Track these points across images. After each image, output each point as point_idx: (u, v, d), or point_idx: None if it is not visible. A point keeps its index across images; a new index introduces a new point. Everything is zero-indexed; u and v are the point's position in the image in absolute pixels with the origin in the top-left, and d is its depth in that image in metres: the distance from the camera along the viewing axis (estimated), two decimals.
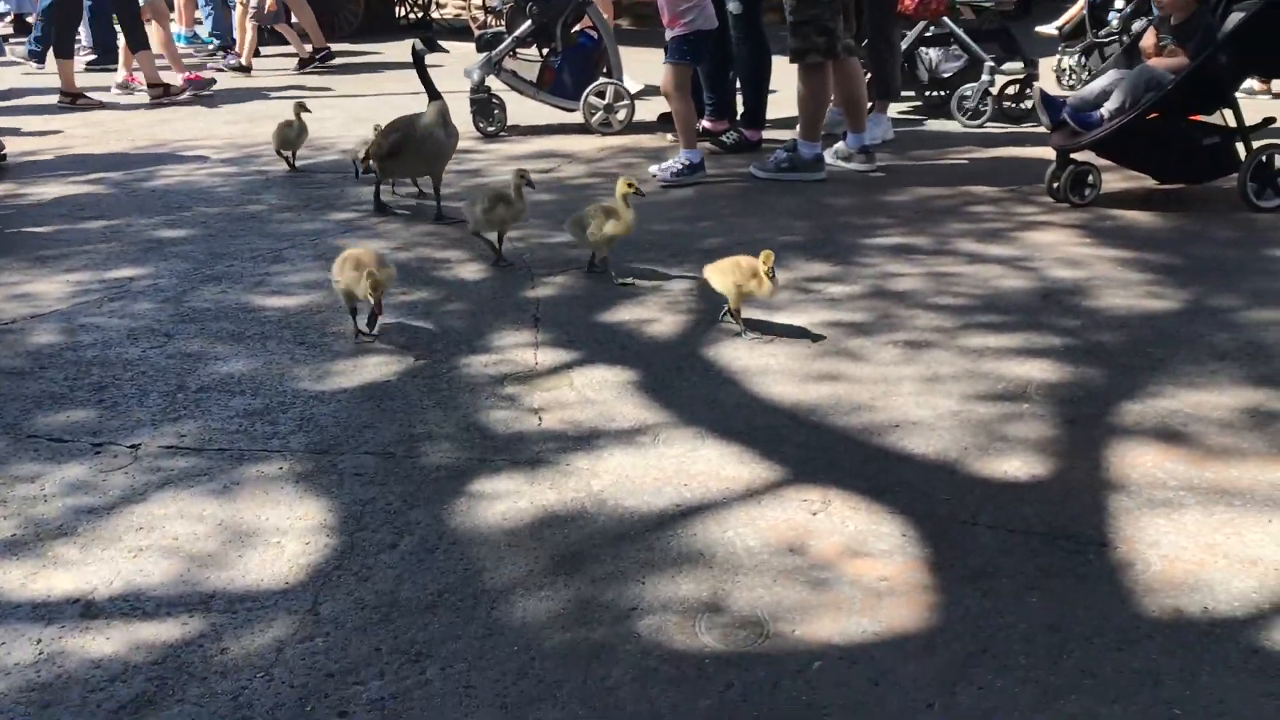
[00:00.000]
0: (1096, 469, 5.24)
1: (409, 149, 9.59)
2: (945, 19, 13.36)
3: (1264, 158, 9.57)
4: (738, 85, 12.45)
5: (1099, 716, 3.65)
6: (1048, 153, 10.30)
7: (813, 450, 5.52)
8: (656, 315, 7.49)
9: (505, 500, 5.12)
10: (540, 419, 5.96)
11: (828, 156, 11.18)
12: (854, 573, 4.49)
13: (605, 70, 13.43)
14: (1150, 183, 10.50)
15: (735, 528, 4.83)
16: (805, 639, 4.08)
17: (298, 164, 11.77)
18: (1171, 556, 4.54)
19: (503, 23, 14.86)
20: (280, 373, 6.60)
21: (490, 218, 8.37)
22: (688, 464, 5.41)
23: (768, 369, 6.54)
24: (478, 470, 5.41)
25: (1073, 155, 9.96)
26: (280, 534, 4.89)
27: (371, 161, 9.95)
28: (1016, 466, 5.31)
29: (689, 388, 6.31)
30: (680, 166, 10.88)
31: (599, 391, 6.30)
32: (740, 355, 6.74)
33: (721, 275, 7.06)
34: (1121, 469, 5.24)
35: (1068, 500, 4.98)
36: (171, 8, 19.59)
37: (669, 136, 12.30)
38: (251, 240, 9.40)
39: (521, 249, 9.17)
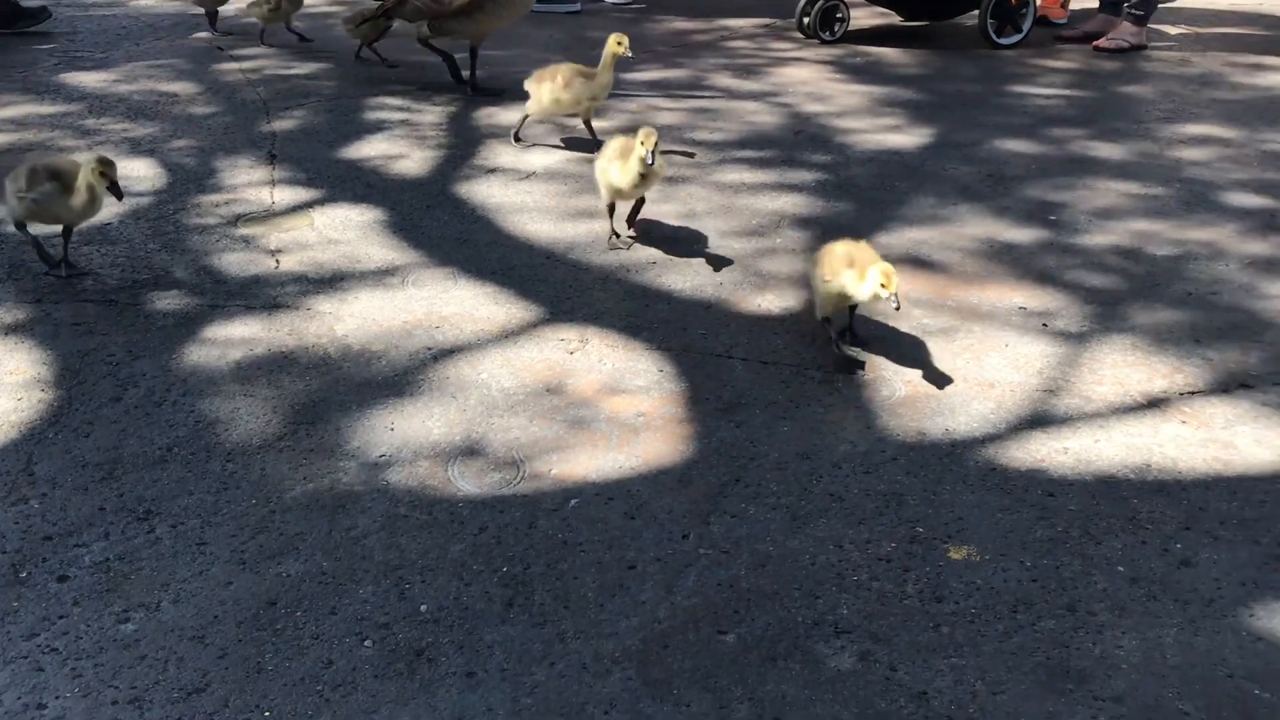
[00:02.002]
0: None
1: (491, 4, 7.82)
2: None
3: None
4: None
5: (846, 538, 3.74)
6: None
7: (570, 289, 5.40)
8: (404, 151, 7.14)
9: (240, 348, 4.81)
10: (278, 261, 5.61)
11: None
12: (611, 410, 4.43)
13: None
14: (897, 19, 10.65)
15: (490, 369, 4.69)
16: (562, 478, 4.01)
17: None
18: (915, 382, 4.67)
19: None
20: None
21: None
22: (439, 306, 5.21)
23: (523, 206, 6.34)
24: (210, 316, 5.05)
25: None
26: None
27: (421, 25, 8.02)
28: (770, 300, 5.34)
29: (439, 226, 6.06)
30: None
31: (342, 231, 5.97)
32: (494, 193, 6.51)
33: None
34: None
35: (818, 331, 5.05)
36: None
37: None
38: None
39: (255, 80, 8.58)
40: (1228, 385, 4.68)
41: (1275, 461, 4.18)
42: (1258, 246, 6.00)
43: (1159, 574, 3.61)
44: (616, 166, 5.58)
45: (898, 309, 4.48)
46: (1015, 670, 3.21)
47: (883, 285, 4.42)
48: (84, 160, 5.09)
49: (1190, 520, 3.86)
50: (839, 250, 4.69)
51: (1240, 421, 4.43)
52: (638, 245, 5.84)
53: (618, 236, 5.90)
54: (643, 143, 5.37)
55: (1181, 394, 4.61)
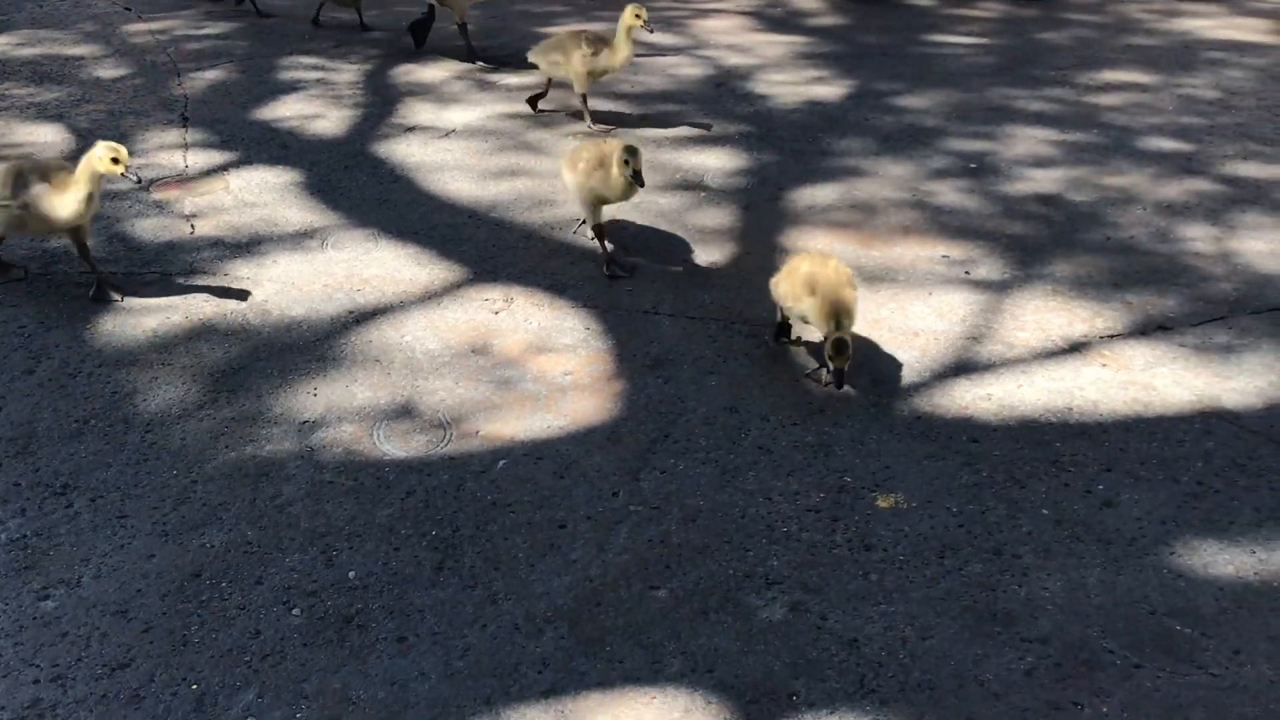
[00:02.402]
0: (770, 254, 5.32)
1: None
2: None
3: None
4: None
5: (775, 490, 3.76)
6: None
7: (493, 248, 5.34)
8: (320, 110, 7.00)
9: (156, 316, 4.70)
10: (193, 226, 5.48)
11: None
12: (538, 369, 4.40)
13: None
14: None
15: (414, 331, 4.62)
16: (490, 438, 3.98)
17: None
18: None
19: None
20: None
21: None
22: (360, 268, 5.12)
23: (444, 165, 6.25)
24: (124, 285, 4.93)
25: None
26: None
27: None
28: (695, 255, 5.32)
29: (359, 187, 5.95)
30: None
31: (259, 194, 5.85)
32: (413, 152, 6.40)
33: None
34: (794, 253, 5.34)
35: (744, 286, 5.04)
36: None
37: None
38: None
39: (165, 41, 8.35)
40: (1146, 328, 4.76)
41: (1193, 402, 4.26)
42: (1173, 191, 6.09)
43: (1082, 516, 3.67)
44: (600, 176, 4.95)
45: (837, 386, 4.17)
46: (943, 615, 3.26)
47: (837, 331, 4.14)
48: None
49: (1111, 462, 3.92)
50: (803, 273, 4.30)
51: (1159, 363, 4.51)
52: (560, 202, 5.78)
53: (614, 264, 5.19)
54: (628, 162, 4.80)
55: (1102, 338, 4.68)
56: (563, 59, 6.58)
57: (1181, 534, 3.59)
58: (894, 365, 4.45)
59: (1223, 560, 3.48)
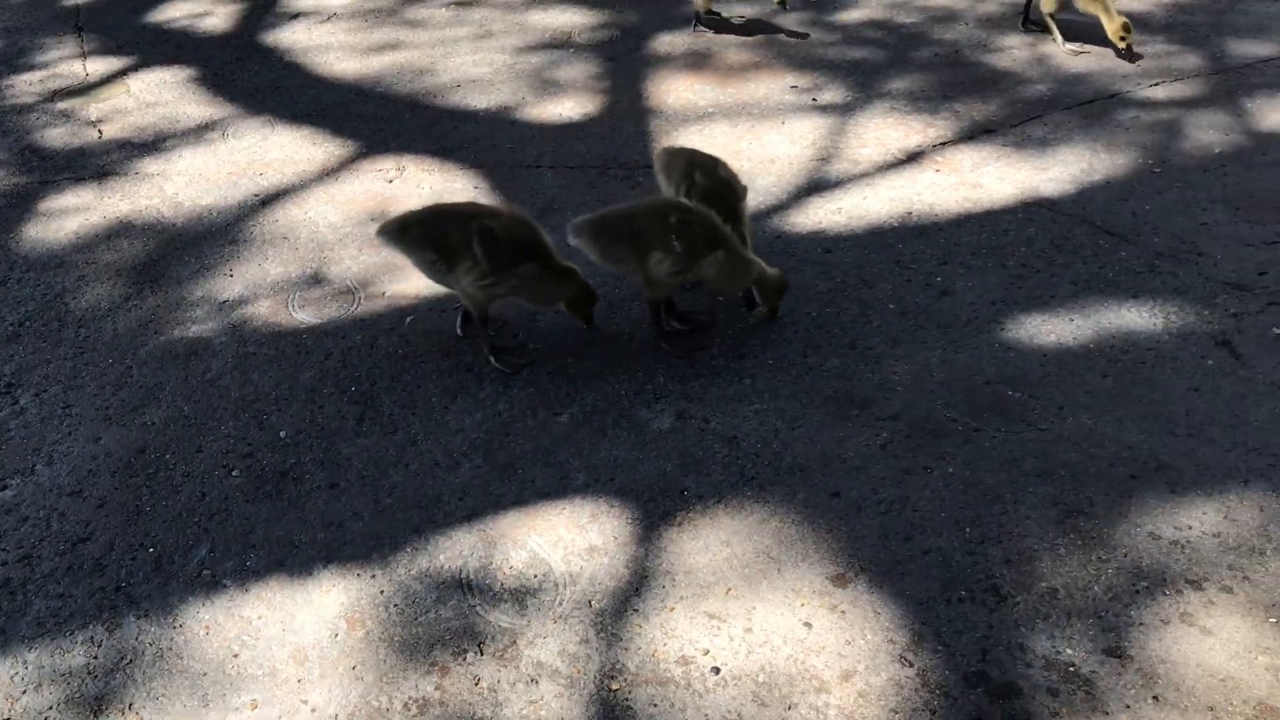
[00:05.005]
0: (638, 100, 5.20)
1: None
2: None
3: None
4: None
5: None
6: None
7: (382, 121, 5.14)
8: (208, 8, 6.60)
9: (75, 218, 4.48)
10: (100, 131, 5.20)
11: None
12: None
13: None
14: None
15: (316, 207, 4.47)
16: (396, 297, 3.90)
17: None
18: None
19: None
20: None
21: None
22: (260, 153, 4.91)
23: (328, 46, 5.96)
24: (40, 193, 4.68)
25: None
26: None
27: None
28: (569, 108, 5.18)
29: (251, 77, 5.67)
30: None
31: (159, 94, 5.54)
32: (299, 38, 6.09)
33: None
34: (659, 97, 5.22)
35: (615, 132, 4.93)
36: None
37: None
38: None
39: None
40: (973, 133, 4.76)
41: (1015, 194, 4.30)
42: (990, 6, 6.03)
43: (923, 305, 3.72)
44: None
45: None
46: (809, 406, 3.31)
47: None
48: None
49: (947, 255, 3.97)
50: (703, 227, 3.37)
51: (985, 163, 4.52)
52: (441, 70, 5.57)
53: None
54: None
55: (934, 146, 4.67)
56: None
57: (1010, 312, 3.66)
58: (755, 191, 4.38)
59: (1045, 330, 3.56)
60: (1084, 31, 5.53)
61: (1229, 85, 5.03)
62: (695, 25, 5.89)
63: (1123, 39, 5.18)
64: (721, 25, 5.94)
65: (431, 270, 3.46)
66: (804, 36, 5.72)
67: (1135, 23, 5.59)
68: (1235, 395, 3.24)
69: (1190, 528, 2.82)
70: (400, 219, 3.51)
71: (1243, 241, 3.93)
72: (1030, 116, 4.86)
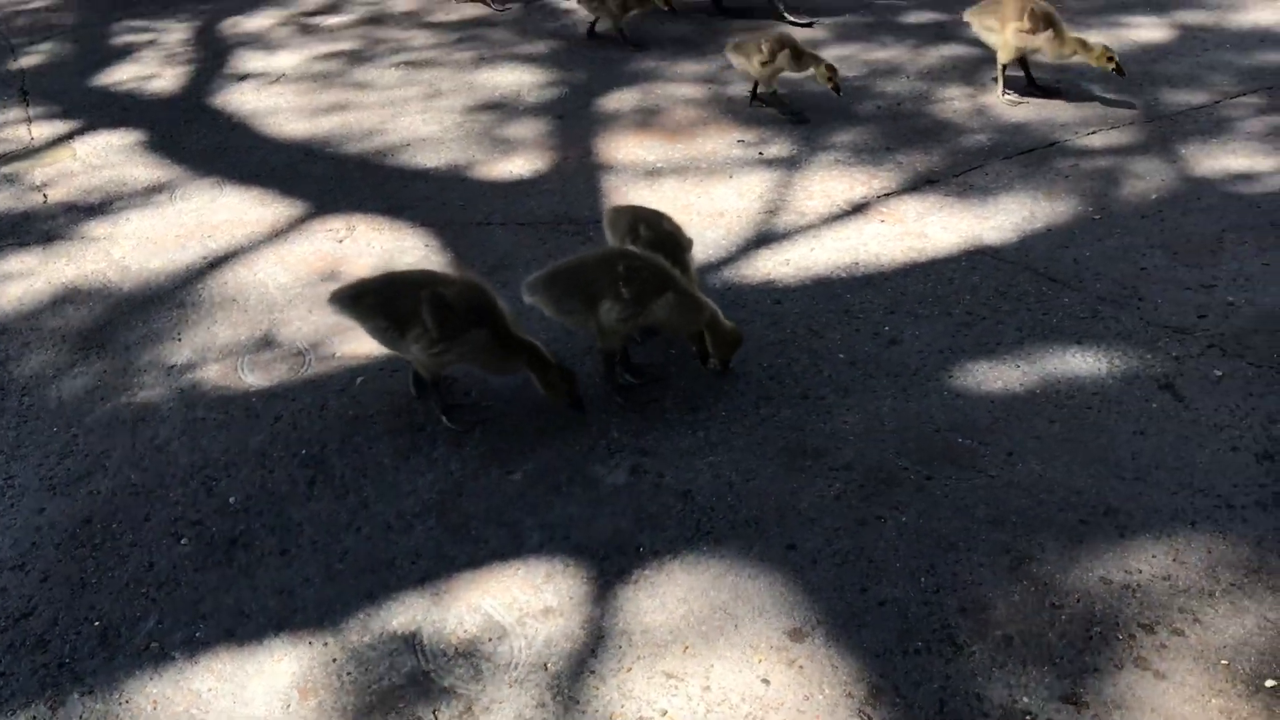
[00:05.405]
0: (588, 156, 5.23)
1: None
2: None
3: None
4: None
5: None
6: None
7: (331, 181, 5.13)
8: (155, 70, 6.58)
9: (19, 283, 4.42)
10: (45, 195, 5.14)
11: None
12: None
13: None
14: None
15: (265, 268, 4.44)
16: (347, 358, 3.87)
17: None
18: None
19: None
20: None
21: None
22: (209, 215, 4.87)
23: (277, 109, 5.95)
24: None
25: None
26: None
27: None
28: (519, 165, 5.20)
29: (200, 139, 5.64)
30: None
31: (105, 157, 5.49)
32: (248, 100, 6.08)
33: None
34: (608, 153, 5.26)
35: (566, 189, 4.95)
36: None
37: None
38: None
39: None
40: (916, 183, 4.83)
41: (959, 243, 4.36)
42: (931, 59, 6.15)
43: (873, 355, 3.74)
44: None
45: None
46: (762, 458, 3.31)
47: None
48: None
49: (894, 305, 4.01)
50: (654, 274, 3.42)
51: (929, 213, 4.59)
52: (390, 130, 5.58)
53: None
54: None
55: (879, 196, 4.74)
56: None
57: (957, 359, 3.70)
58: (704, 244, 4.41)
59: (993, 377, 3.60)
60: (1021, 82, 5.65)
61: (1163, 132, 5.16)
62: (752, 100, 5.70)
63: (1109, 60, 5.26)
64: (666, 84, 6.00)
65: (383, 337, 3.44)
66: (749, 93, 5.77)
67: (1072, 73, 5.73)
68: (1179, 438, 3.29)
69: (1140, 571, 2.84)
70: (354, 286, 3.50)
71: (1181, 285, 4.01)
72: (972, 166, 4.94)
